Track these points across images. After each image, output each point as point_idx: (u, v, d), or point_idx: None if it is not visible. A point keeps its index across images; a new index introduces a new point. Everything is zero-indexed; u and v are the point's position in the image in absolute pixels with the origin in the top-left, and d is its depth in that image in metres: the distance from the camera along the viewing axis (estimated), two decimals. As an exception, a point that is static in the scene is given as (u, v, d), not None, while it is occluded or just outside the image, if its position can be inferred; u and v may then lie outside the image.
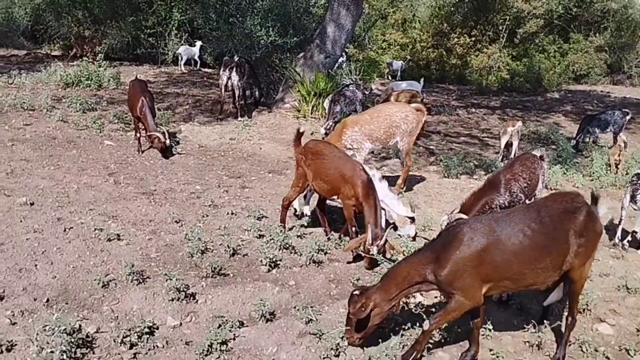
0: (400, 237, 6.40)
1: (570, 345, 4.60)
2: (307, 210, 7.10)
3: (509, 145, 10.33)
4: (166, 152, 9.27)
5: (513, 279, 4.06)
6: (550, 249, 4.04)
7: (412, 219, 6.47)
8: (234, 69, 11.67)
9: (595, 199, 4.28)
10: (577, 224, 4.09)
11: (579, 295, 4.41)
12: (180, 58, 18.01)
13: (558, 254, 4.07)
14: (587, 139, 11.73)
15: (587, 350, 4.54)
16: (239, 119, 11.70)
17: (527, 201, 6.08)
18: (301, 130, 6.50)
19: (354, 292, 4.20)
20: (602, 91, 21.12)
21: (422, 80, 15.21)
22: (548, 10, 21.79)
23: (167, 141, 9.15)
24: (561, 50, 23.43)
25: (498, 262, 3.97)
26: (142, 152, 9.35)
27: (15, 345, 4.05)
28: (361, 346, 4.33)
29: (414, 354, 4.16)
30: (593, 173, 9.73)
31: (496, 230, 4.00)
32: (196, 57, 18.34)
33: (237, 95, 11.92)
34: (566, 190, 4.80)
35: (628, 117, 11.73)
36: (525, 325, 4.81)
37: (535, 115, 15.89)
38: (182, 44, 18.26)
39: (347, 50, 17.74)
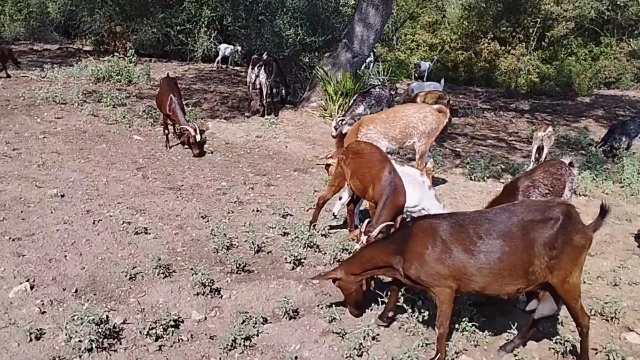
0: None
1: (597, 353, 4.54)
2: (335, 209, 7.07)
3: (540, 150, 10.17)
4: (196, 147, 9.31)
5: (474, 281, 4.02)
6: (508, 256, 3.94)
7: None
8: (262, 67, 11.73)
9: (604, 212, 4.10)
10: (546, 236, 3.93)
11: (575, 305, 4.12)
12: (220, 54, 18.44)
13: (518, 262, 3.95)
14: (615, 146, 11.48)
15: (614, 359, 4.46)
16: (266, 117, 11.75)
17: None
18: (344, 132, 6.52)
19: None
20: (634, 96, 20.72)
21: (442, 81, 15.11)
22: (579, 15, 21.45)
23: (198, 136, 9.21)
24: (592, 54, 23.04)
25: (457, 261, 3.99)
26: (170, 147, 9.46)
27: (45, 333, 4.14)
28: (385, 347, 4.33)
29: (437, 357, 4.15)
30: (624, 180, 9.55)
31: (458, 227, 4.05)
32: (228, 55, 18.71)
33: (264, 93, 11.97)
34: (549, 199, 4.64)
35: None
36: (551, 332, 4.75)
37: (565, 119, 15.67)
38: (222, 43, 18.73)
39: (375, 50, 17.70)
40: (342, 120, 10.08)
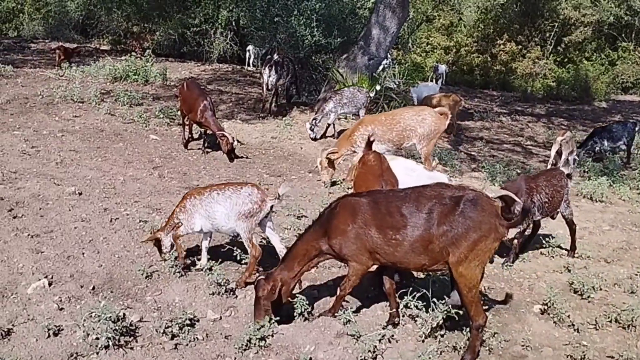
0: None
1: (613, 361, 4.50)
2: None
3: (559, 154, 10.05)
4: (232, 153, 9.09)
5: (386, 253, 4.28)
6: (411, 232, 4.15)
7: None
8: (274, 67, 11.78)
9: (525, 212, 4.33)
10: (444, 216, 4.08)
11: (468, 295, 4.13)
12: (248, 56, 18.37)
13: (418, 239, 4.15)
14: (596, 150, 11.36)
15: (631, 367, 4.42)
16: (270, 114, 11.79)
17: (541, 219, 6.37)
18: (372, 139, 6.63)
19: (260, 278, 4.52)
20: (652, 102, 20.52)
21: (439, 82, 15.09)
22: (598, 20, 21.28)
23: (235, 142, 9.10)
24: (610, 59, 22.84)
25: (372, 233, 4.26)
26: (187, 146, 9.52)
27: (62, 330, 4.19)
28: (399, 350, 4.33)
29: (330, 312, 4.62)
30: (640, 186, 9.46)
31: (374, 205, 4.31)
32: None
33: (273, 92, 12.01)
34: (462, 184, 4.66)
35: (637, 128, 11.34)
36: (567, 338, 4.72)
37: (582, 124, 15.53)
38: (250, 44, 18.41)
39: (391, 52, 17.66)
40: (315, 120, 10.30)
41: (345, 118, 12.05)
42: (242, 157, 9.53)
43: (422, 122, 8.10)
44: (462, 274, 4.11)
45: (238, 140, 9.38)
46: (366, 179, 5.73)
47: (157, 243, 5.33)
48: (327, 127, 11.11)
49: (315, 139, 10.81)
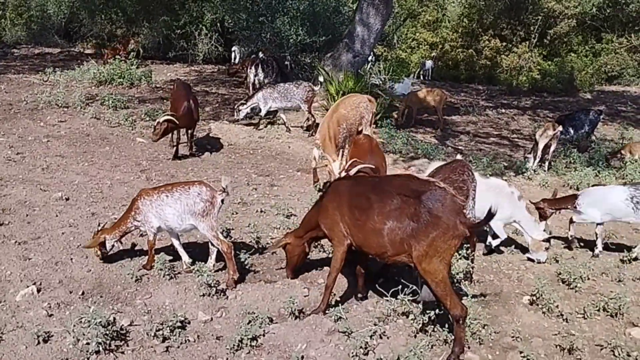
0: (531, 261, 6.22)
1: (602, 349, 4.55)
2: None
3: (547, 147, 10.11)
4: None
5: (355, 235, 4.51)
6: (374, 217, 4.31)
7: (548, 246, 6.17)
8: (259, 66, 11.78)
9: (489, 216, 3.96)
10: (407, 209, 4.17)
11: (437, 289, 4.16)
12: (234, 57, 18.16)
13: (380, 226, 4.29)
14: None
15: (619, 354, 4.46)
16: (269, 117, 11.79)
17: None
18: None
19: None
20: (635, 92, 20.69)
21: (410, 77, 15.46)
22: (581, 12, 21.43)
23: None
24: (593, 50, 23.02)
25: (344, 212, 4.54)
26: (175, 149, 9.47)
27: (52, 336, 4.17)
28: (391, 346, 4.35)
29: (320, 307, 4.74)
30: (626, 175, 9.55)
31: (352, 187, 4.66)
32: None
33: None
34: (433, 179, 4.67)
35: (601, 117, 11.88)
36: (556, 328, 4.77)
37: (567, 116, 15.61)
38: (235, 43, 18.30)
39: (376, 49, 17.71)
40: (243, 104, 10.96)
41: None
42: (211, 152, 9.67)
43: (367, 108, 8.72)
44: (426, 270, 4.15)
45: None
46: (358, 155, 6.65)
47: (102, 246, 5.25)
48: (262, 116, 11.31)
49: (237, 121, 11.26)
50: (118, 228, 5.26)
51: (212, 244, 5.17)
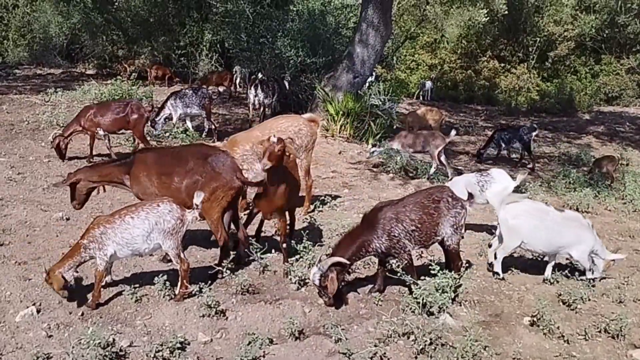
0: (591, 280, 6.10)
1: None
2: None
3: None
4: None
5: (168, 195, 5.40)
6: (165, 178, 5.56)
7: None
8: (259, 87, 11.86)
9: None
10: (197, 165, 5.50)
11: (213, 228, 5.62)
12: (235, 77, 17.77)
13: (177, 181, 5.54)
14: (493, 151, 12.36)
15: (621, 376, 4.45)
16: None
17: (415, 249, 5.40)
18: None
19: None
20: (634, 113, 20.82)
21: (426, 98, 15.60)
22: (579, 34, 21.67)
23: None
24: (592, 71, 23.22)
25: (153, 178, 5.65)
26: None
27: (52, 357, 4.16)
28: None
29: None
30: (626, 196, 9.57)
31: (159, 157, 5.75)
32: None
33: (265, 113, 12.09)
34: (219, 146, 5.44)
35: (535, 133, 12.12)
36: (557, 349, 4.75)
37: (566, 136, 15.72)
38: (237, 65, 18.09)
39: (375, 70, 17.84)
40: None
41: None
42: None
43: (299, 133, 7.48)
44: (206, 211, 5.38)
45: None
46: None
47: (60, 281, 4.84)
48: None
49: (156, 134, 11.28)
50: (72, 259, 4.84)
51: (175, 261, 5.09)
